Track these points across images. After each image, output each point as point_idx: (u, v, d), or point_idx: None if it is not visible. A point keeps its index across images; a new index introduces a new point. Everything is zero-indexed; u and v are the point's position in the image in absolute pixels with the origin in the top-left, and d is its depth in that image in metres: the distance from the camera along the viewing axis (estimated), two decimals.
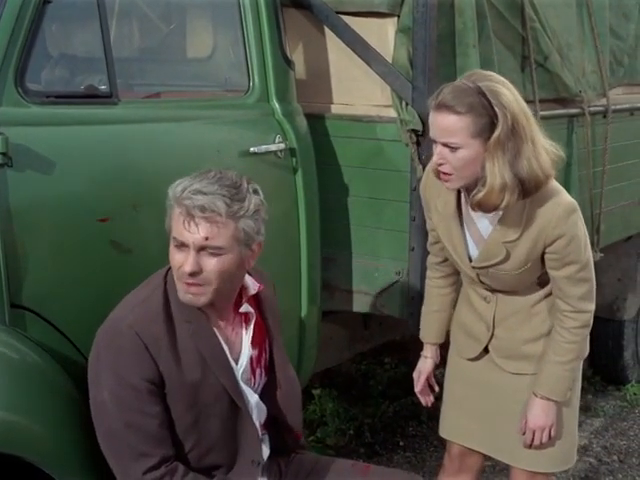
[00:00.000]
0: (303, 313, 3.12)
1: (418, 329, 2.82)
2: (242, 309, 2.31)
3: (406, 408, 4.52)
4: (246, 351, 2.30)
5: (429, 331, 2.78)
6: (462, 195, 2.46)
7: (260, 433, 2.35)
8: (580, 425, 4.35)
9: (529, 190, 2.29)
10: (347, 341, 3.71)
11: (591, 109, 3.91)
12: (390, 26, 3.09)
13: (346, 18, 3.14)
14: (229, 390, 2.24)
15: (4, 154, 2.21)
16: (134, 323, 2.14)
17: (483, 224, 2.45)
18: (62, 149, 2.37)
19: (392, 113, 3.09)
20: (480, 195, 2.29)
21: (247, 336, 2.32)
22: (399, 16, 3.06)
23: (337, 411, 4.36)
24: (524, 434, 2.53)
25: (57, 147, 2.36)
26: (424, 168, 3.00)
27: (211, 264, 2.13)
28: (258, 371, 2.36)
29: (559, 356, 2.47)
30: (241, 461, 2.30)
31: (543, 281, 2.52)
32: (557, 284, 2.45)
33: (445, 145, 2.26)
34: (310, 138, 3.10)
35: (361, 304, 3.31)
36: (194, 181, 2.14)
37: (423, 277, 3.06)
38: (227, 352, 2.26)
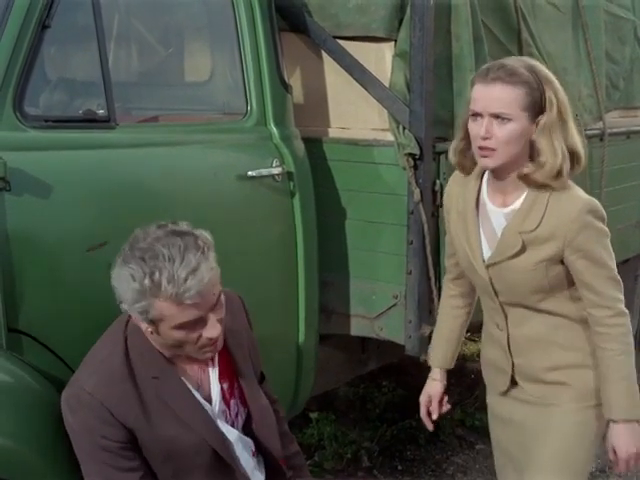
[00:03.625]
0: (300, 337, 3.11)
1: (416, 352, 2.82)
2: None
3: (404, 431, 4.49)
4: (215, 388, 2.26)
5: (438, 356, 2.72)
6: (482, 189, 2.44)
7: (253, 464, 2.33)
8: None
9: (574, 167, 2.31)
10: (345, 365, 3.70)
11: (588, 132, 3.92)
12: (387, 50, 3.11)
13: (343, 42, 3.16)
14: (209, 441, 2.20)
15: (2, 178, 2.21)
16: (95, 390, 2.10)
17: (499, 221, 2.39)
18: (60, 173, 2.37)
19: (389, 137, 3.10)
20: (539, 173, 2.27)
21: (214, 372, 2.27)
22: (396, 40, 3.08)
23: (335, 435, 4.34)
24: (615, 466, 2.38)
25: (55, 171, 2.36)
26: (422, 192, 3.02)
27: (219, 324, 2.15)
28: (232, 402, 2.33)
29: (618, 372, 2.32)
30: None
31: (556, 306, 2.40)
32: (589, 290, 2.33)
33: (495, 116, 2.24)
34: (307, 162, 3.11)
35: (359, 328, 3.31)
36: (170, 266, 2.03)
37: (420, 301, 3.08)
38: (200, 398, 2.22)
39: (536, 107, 2.26)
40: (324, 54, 3.22)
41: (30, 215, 2.28)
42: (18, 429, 2.11)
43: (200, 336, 2.11)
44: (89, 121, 2.50)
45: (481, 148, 2.29)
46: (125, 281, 2.05)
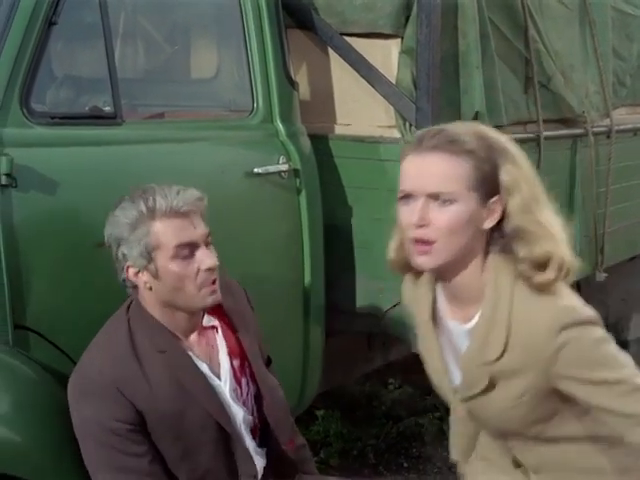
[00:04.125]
0: (307, 334, 3.11)
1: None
2: (205, 322, 2.29)
3: (410, 429, 4.49)
4: (225, 364, 2.28)
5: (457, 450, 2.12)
6: (438, 298, 1.91)
7: (253, 447, 2.32)
8: None
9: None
10: (351, 362, 3.70)
11: (594, 129, 3.92)
12: (394, 47, 3.10)
13: (350, 39, 3.15)
14: (214, 415, 2.20)
15: (9, 175, 2.21)
16: (102, 369, 2.12)
17: (461, 340, 1.85)
18: (66, 170, 2.38)
19: (396, 134, 3.09)
20: (552, 275, 1.73)
21: (223, 348, 2.29)
22: (403, 37, 3.07)
23: (341, 432, 4.34)
24: None
25: (61, 168, 2.37)
26: None
27: (214, 257, 2.20)
28: (244, 380, 2.32)
29: None
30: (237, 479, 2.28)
31: (564, 430, 1.85)
32: (609, 414, 1.75)
33: (434, 197, 1.72)
34: (314, 159, 3.10)
35: (365, 325, 3.30)
36: (161, 190, 2.17)
37: None
38: (208, 372, 2.23)
39: (486, 185, 1.73)
40: (330, 51, 3.22)
41: (37, 212, 2.28)
42: (25, 425, 2.11)
43: (198, 271, 2.14)
44: (95, 118, 2.51)
45: (416, 241, 1.74)
46: (122, 217, 2.15)
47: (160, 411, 2.13)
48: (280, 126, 3.03)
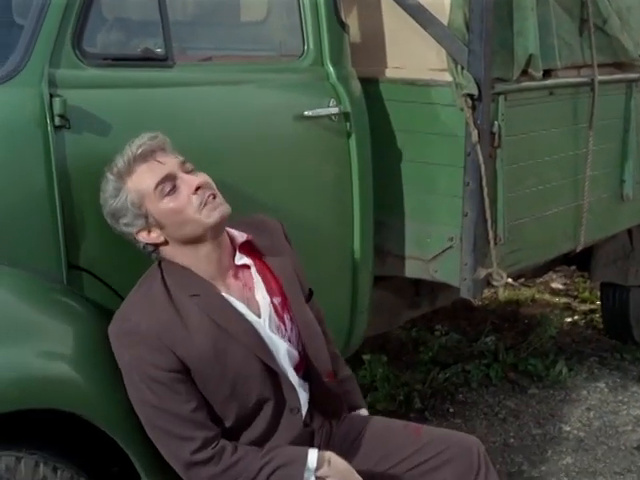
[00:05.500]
0: (355, 278, 3.12)
1: (470, 295, 2.80)
2: (237, 261, 2.31)
3: (456, 375, 4.51)
4: (263, 302, 2.29)
5: None
6: None
7: (297, 380, 2.34)
8: (633, 395, 4.34)
9: None
10: (398, 307, 3.71)
11: None
12: None
13: None
14: (255, 351, 2.22)
15: (62, 116, 2.23)
16: (141, 318, 2.14)
17: None
18: (118, 111, 2.39)
19: (447, 77, 3.04)
20: None
21: (259, 286, 2.31)
22: None
23: (387, 377, 4.37)
24: None
25: (113, 109, 2.38)
26: (479, 133, 2.98)
27: (203, 176, 2.23)
28: (287, 316, 2.34)
29: None
30: (282, 414, 2.30)
31: None
32: None
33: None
34: (364, 102, 3.08)
35: (413, 270, 3.30)
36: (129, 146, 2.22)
37: (476, 243, 3.06)
38: (245, 310, 2.25)
39: None
40: None
41: (89, 152, 2.29)
42: (80, 363, 2.15)
43: (189, 197, 2.18)
44: (147, 60, 2.50)
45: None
46: (104, 194, 2.23)
47: (201, 354, 2.15)
48: (330, 69, 3.00)
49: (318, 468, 2.18)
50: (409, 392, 4.32)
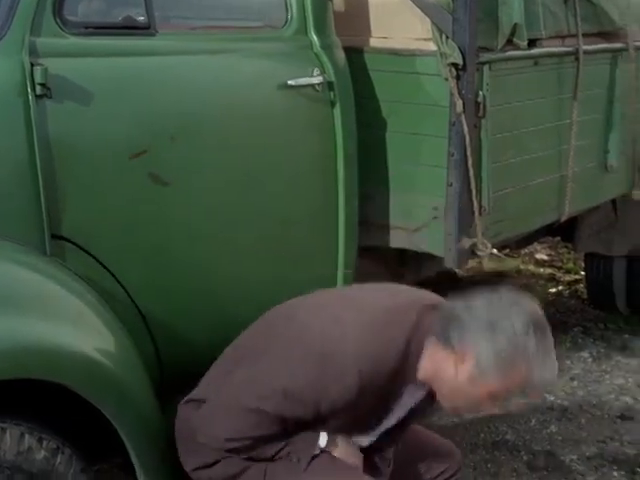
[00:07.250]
0: (340, 248, 3.11)
1: (455, 265, 2.80)
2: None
3: None
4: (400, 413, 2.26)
5: None
6: None
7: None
8: (616, 364, 4.37)
9: None
10: (383, 277, 3.70)
11: (635, 44, 3.83)
12: None
13: None
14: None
15: (43, 85, 2.21)
16: (364, 371, 2.04)
17: None
18: (100, 80, 2.37)
19: (432, 46, 3.03)
20: None
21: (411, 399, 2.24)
22: None
23: None
24: None
25: (95, 78, 2.36)
26: (464, 103, 2.97)
27: None
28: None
29: None
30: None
31: None
32: None
33: None
34: (348, 72, 3.05)
35: (398, 240, 3.30)
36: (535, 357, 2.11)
37: (461, 213, 3.06)
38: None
39: None
40: None
41: (71, 122, 2.28)
42: (74, 334, 2.13)
43: None
44: (129, 28, 2.48)
45: None
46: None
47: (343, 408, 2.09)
48: (314, 38, 2.98)
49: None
50: None
